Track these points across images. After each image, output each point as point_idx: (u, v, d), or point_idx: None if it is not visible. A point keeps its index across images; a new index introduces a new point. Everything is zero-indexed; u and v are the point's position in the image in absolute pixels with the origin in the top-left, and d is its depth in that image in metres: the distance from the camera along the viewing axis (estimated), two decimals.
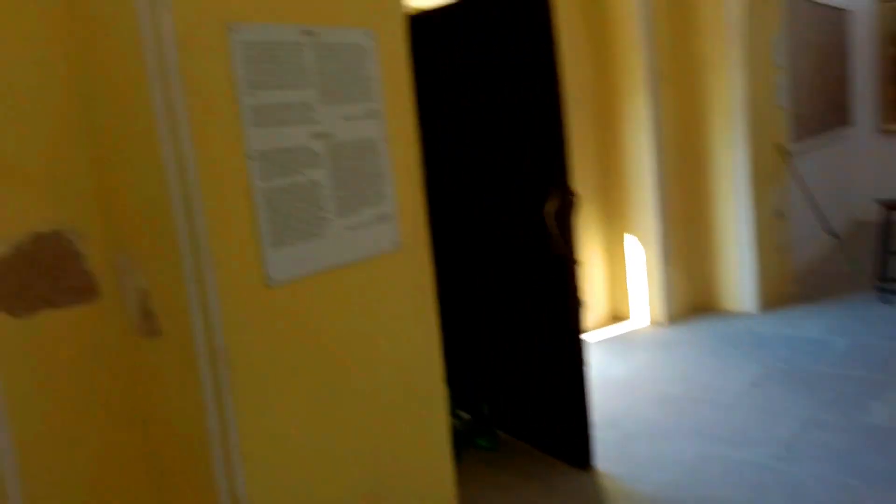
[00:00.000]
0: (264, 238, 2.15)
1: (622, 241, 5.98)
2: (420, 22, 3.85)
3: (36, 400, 2.25)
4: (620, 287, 6.07)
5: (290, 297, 2.23)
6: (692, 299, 6.10)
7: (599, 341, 5.61)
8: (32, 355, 2.24)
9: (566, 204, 3.34)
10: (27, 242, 2.21)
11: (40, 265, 2.24)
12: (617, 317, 6.12)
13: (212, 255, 2.05)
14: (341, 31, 2.35)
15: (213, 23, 2.05)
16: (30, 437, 2.23)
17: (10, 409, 2.18)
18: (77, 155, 2.32)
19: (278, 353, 2.22)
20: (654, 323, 5.90)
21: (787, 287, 6.30)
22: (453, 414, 3.81)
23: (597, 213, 5.94)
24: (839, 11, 8.08)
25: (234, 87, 2.09)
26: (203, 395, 2.14)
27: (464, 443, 3.88)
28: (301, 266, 2.25)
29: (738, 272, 5.93)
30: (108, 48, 2.20)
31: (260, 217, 2.14)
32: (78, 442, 2.35)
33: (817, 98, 7.42)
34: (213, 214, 2.05)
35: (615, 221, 5.99)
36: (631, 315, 6.06)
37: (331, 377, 2.36)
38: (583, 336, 3.48)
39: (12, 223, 2.19)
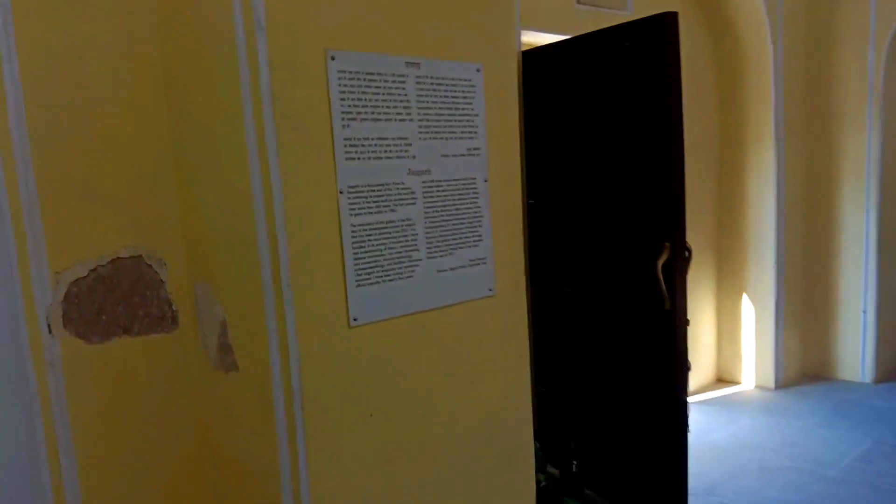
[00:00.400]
0: (349, 276, 2.04)
1: (734, 300, 5.71)
2: (531, 58, 3.72)
3: (104, 429, 2.20)
4: (729, 348, 5.80)
5: (372, 339, 2.11)
6: (804, 365, 5.78)
7: (702, 403, 5.34)
8: (104, 383, 2.18)
9: (678, 258, 3.15)
10: (106, 266, 2.16)
11: (119, 290, 2.19)
12: (722, 378, 5.84)
13: (293, 292, 1.94)
14: (448, 65, 2.24)
15: (312, 49, 1.96)
16: (96, 466, 2.17)
17: (78, 437, 2.13)
18: (163, 179, 2.27)
19: (356, 396, 2.09)
20: (761, 387, 5.60)
21: None
22: (542, 470, 3.62)
23: (710, 270, 5.69)
24: None
25: (330, 117, 1.99)
26: (276, 435, 2.03)
27: (551, 501, 3.69)
28: (386, 308, 2.13)
29: (856, 339, 5.59)
30: (200, 70, 2.14)
31: (346, 254, 2.03)
32: (145, 473, 2.28)
33: None
34: (298, 249, 1.95)
35: (728, 279, 5.72)
36: (738, 378, 5.76)
37: (409, 425, 2.22)
38: (685, 398, 3.26)
39: (91, 245, 2.15)
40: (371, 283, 2.08)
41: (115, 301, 2.18)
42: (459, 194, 2.28)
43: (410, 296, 2.18)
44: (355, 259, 2.05)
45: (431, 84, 2.20)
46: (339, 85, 2.01)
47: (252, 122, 1.94)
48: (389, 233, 2.12)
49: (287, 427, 2.00)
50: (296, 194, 1.94)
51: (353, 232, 2.04)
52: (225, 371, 2.21)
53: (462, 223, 2.30)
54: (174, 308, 2.29)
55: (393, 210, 2.13)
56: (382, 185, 2.10)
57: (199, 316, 2.30)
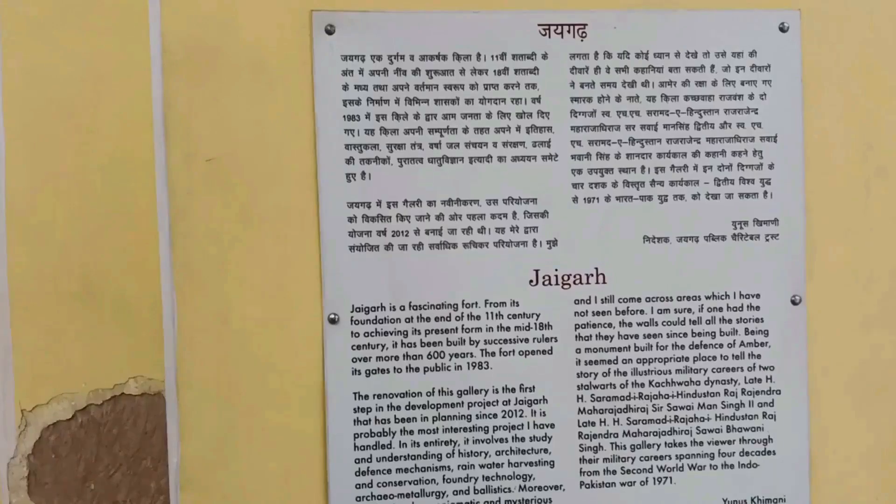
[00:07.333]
0: None
1: None
2: None
3: None
4: None
5: None
6: None
7: None
8: None
9: None
10: (103, 406, 1.37)
11: (120, 445, 1.37)
12: None
13: None
14: (678, 20, 0.94)
15: (272, 12, 0.91)
16: None
17: None
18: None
19: None
20: None
21: None
22: None
23: None
24: None
25: (314, 157, 0.90)
26: None
27: None
28: None
29: None
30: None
31: (333, 473, 0.90)
32: None
33: None
34: (200, 457, 0.91)
35: None
36: None
37: None
38: None
39: (83, 373, 1.35)
40: None
41: (113, 461, 1.37)
42: (697, 332, 0.93)
43: None
44: (360, 482, 0.90)
45: (614, 69, 0.93)
46: (346, 88, 0.91)
47: (164, 173, 0.97)
48: (468, 419, 0.91)
49: None
50: (202, 328, 0.91)
51: (359, 418, 0.90)
52: None
53: (703, 402, 0.93)
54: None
55: (484, 367, 0.91)
56: (452, 305, 0.91)
57: None
